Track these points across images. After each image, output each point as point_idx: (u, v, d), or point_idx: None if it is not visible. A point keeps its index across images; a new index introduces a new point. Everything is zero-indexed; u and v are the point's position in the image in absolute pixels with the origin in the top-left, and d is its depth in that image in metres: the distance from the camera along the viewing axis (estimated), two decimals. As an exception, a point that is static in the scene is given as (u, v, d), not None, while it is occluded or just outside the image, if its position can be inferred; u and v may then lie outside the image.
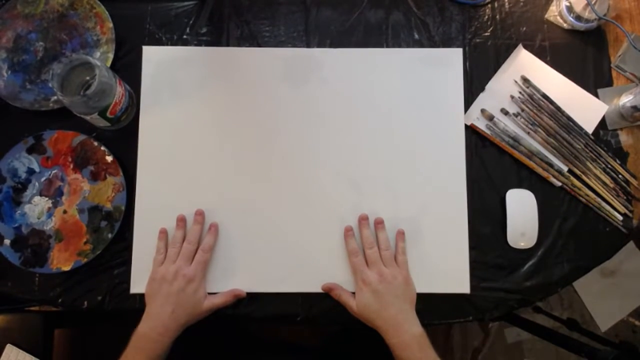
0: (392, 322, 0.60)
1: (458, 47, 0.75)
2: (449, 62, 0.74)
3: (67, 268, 0.66)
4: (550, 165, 0.72)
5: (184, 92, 0.72)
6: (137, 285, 0.67)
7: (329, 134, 0.71)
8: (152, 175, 0.70)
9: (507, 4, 0.78)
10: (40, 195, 0.69)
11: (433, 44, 0.76)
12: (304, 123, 0.72)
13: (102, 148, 0.69)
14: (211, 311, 0.64)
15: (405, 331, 0.60)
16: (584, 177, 0.72)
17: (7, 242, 0.67)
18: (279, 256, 0.68)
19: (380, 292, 0.62)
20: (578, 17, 0.74)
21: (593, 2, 0.72)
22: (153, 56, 0.73)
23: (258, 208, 0.69)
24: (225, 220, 0.69)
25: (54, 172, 0.70)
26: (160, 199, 0.69)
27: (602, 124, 0.74)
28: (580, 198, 0.71)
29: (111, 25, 0.73)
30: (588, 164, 0.72)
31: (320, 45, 0.75)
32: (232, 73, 0.73)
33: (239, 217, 0.69)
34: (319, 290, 0.67)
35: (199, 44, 0.75)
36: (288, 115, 0.72)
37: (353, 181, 0.70)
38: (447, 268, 0.68)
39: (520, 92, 0.74)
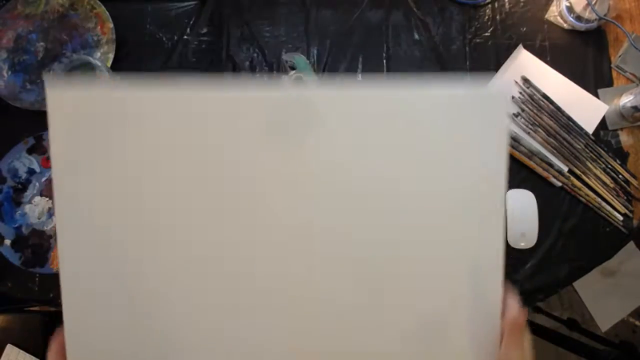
0: None
1: (458, 47, 0.75)
2: (487, 107, 0.48)
3: (67, 268, 0.66)
4: (551, 165, 0.72)
5: (118, 158, 0.45)
6: None
7: (324, 206, 0.50)
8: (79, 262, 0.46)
9: (507, 4, 0.78)
10: (41, 195, 0.69)
11: (433, 44, 0.76)
12: (292, 191, 0.49)
13: (103, 148, 0.69)
14: None
15: None
16: (584, 177, 0.72)
17: (7, 242, 0.67)
18: None
19: None
20: (578, 17, 0.75)
21: (593, 3, 0.72)
22: (66, 105, 0.44)
23: (228, 313, 0.48)
24: (186, 328, 0.48)
25: (54, 172, 0.70)
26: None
27: (603, 124, 0.74)
28: (581, 198, 0.71)
29: (112, 25, 0.73)
30: (588, 164, 0.72)
31: (321, 45, 0.75)
32: (190, 129, 0.46)
33: (202, 323, 0.48)
34: None
35: (199, 44, 0.75)
36: (270, 182, 0.49)
37: (357, 269, 0.50)
38: None
39: (520, 92, 0.74)
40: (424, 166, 0.49)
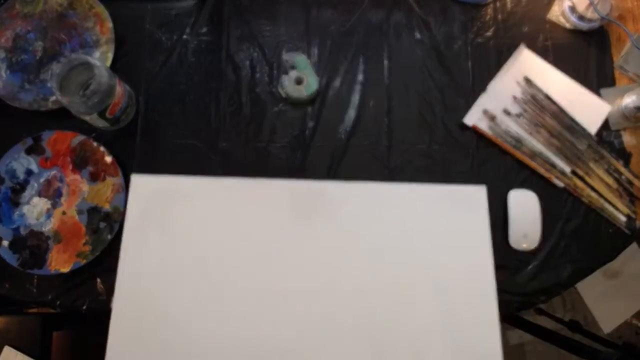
0: None
1: (460, 47, 0.75)
2: (471, 201, 0.65)
3: (65, 269, 0.66)
4: (553, 166, 0.71)
5: (174, 227, 0.63)
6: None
7: (340, 281, 0.62)
8: (128, 330, 0.60)
9: (509, 3, 0.77)
10: (39, 196, 0.68)
11: (435, 43, 0.75)
12: (313, 268, 0.62)
13: (102, 149, 0.69)
14: None
15: None
16: (587, 178, 0.71)
17: (5, 243, 0.67)
18: None
19: None
20: (581, 17, 0.74)
21: (596, 2, 0.72)
22: (142, 186, 0.64)
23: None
24: None
25: (52, 172, 0.69)
26: None
27: (605, 124, 0.73)
28: (583, 199, 0.71)
29: (111, 25, 0.73)
30: (591, 164, 0.71)
31: (322, 44, 0.75)
32: (230, 207, 0.64)
33: None
34: None
35: (199, 44, 0.75)
36: (294, 258, 0.62)
37: (369, 335, 0.60)
38: None
39: (522, 93, 0.73)
40: (421, 246, 0.63)
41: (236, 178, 0.65)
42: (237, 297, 0.60)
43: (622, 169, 0.71)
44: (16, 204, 0.68)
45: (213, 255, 0.62)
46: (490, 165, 0.72)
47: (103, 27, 0.73)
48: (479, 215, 0.64)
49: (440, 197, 0.65)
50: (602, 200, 0.71)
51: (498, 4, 0.77)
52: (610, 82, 0.75)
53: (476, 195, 0.65)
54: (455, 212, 0.64)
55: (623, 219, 0.70)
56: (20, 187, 0.69)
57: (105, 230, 0.67)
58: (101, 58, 0.72)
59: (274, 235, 0.63)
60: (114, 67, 0.73)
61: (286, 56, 0.74)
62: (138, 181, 0.64)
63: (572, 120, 0.72)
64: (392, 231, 0.63)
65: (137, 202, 0.63)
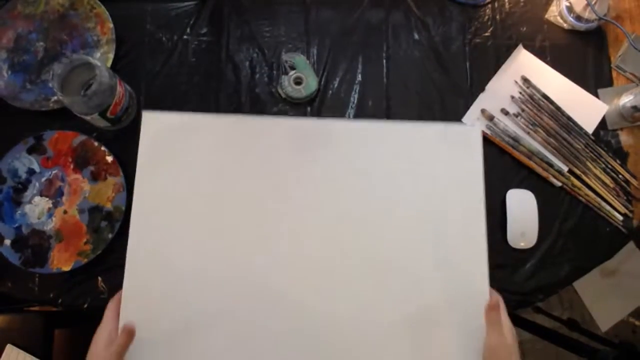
0: None
1: (458, 47, 0.76)
2: (467, 140, 0.66)
3: (67, 268, 0.66)
4: (551, 165, 0.72)
5: (185, 162, 0.65)
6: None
7: (340, 214, 0.65)
8: (144, 264, 0.62)
9: (507, 4, 0.78)
10: (41, 195, 0.69)
11: (433, 43, 0.76)
12: (315, 200, 0.65)
13: (103, 148, 0.69)
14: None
15: None
16: (584, 177, 0.72)
17: (7, 242, 0.67)
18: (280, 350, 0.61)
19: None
20: (578, 17, 0.75)
21: (593, 3, 0.72)
22: (153, 122, 0.66)
23: (259, 296, 0.62)
24: (222, 306, 0.62)
25: (54, 172, 0.70)
26: (149, 301, 0.61)
27: (603, 124, 0.74)
28: (580, 198, 0.71)
29: (111, 25, 0.73)
30: (588, 164, 0.72)
31: (321, 45, 0.75)
32: (238, 143, 0.66)
33: (239, 303, 0.62)
34: None
35: (199, 44, 0.75)
36: (296, 191, 0.65)
37: (366, 261, 0.64)
38: None
39: (520, 92, 0.74)
40: (417, 182, 0.65)
41: (245, 115, 0.70)
42: (243, 231, 0.63)
43: (619, 168, 0.72)
44: (18, 203, 0.69)
45: (222, 188, 0.65)
46: (489, 164, 0.72)
47: (104, 28, 0.74)
48: (474, 152, 0.66)
49: (437, 134, 0.67)
50: (599, 199, 0.71)
51: (496, 4, 0.77)
52: (608, 82, 0.75)
53: (471, 134, 0.67)
54: (451, 149, 0.66)
55: (620, 217, 0.71)
56: (22, 187, 0.69)
57: (106, 230, 0.67)
58: (102, 58, 0.73)
59: (277, 170, 0.65)
60: (115, 68, 0.73)
61: (286, 56, 0.74)
62: (149, 118, 0.65)
63: (570, 119, 0.73)
64: (389, 167, 0.66)
65: (148, 138, 0.65)
